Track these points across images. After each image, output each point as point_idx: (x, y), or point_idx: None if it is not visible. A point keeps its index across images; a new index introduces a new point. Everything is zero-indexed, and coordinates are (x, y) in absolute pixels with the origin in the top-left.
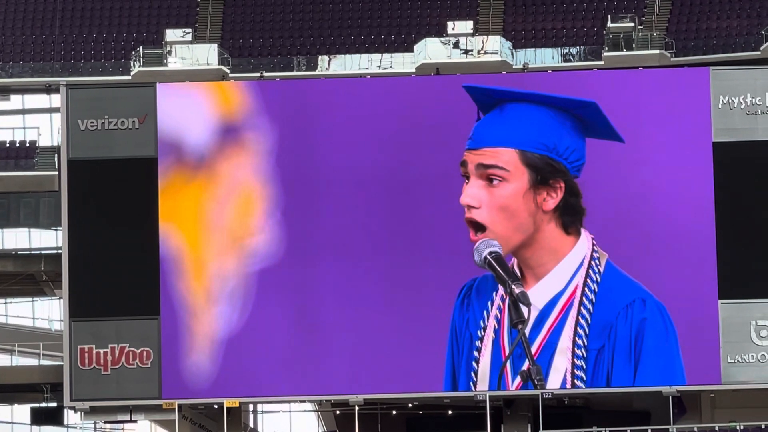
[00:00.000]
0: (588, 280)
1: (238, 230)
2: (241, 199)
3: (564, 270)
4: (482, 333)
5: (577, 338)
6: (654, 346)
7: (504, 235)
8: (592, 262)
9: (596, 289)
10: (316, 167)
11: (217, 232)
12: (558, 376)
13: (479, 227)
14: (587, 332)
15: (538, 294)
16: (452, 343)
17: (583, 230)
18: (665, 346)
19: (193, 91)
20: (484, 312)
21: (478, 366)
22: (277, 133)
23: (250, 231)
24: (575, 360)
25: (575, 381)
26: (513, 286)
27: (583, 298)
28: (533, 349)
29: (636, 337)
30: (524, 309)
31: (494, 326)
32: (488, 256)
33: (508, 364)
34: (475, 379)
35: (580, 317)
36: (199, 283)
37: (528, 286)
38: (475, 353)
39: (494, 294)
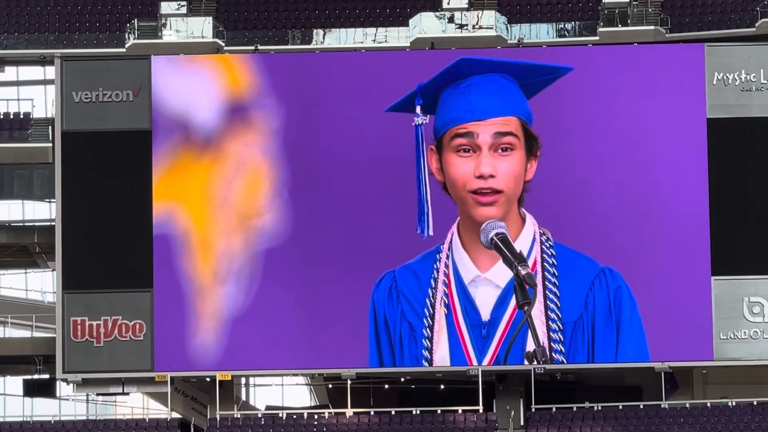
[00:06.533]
0: (544, 255)
1: (246, 210)
2: (248, 179)
3: (520, 246)
4: (429, 321)
5: (549, 312)
6: (630, 313)
7: (509, 200)
8: (542, 238)
9: (555, 263)
10: (321, 146)
11: (224, 212)
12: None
13: (496, 192)
14: (558, 305)
15: (500, 272)
16: (377, 333)
17: (522, 209)
18: (636, 313)
19: (189, 64)
20: (427, 300)
21: (432, 354)
22: (283, 112)
23: (257, 211)
24: (551, 333)
25: (553, 354)
26: (519, 268)
27: (545, 273)
28: (501, 328)
29: (613, 304)
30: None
31: (444, 312)
32: (495, 238)
33: (469, 347)
34: (429, 366)
35: (547, 291)
36: (205, 261)
37: (487, 267)
38: (425, 342)
39: (433, 281)
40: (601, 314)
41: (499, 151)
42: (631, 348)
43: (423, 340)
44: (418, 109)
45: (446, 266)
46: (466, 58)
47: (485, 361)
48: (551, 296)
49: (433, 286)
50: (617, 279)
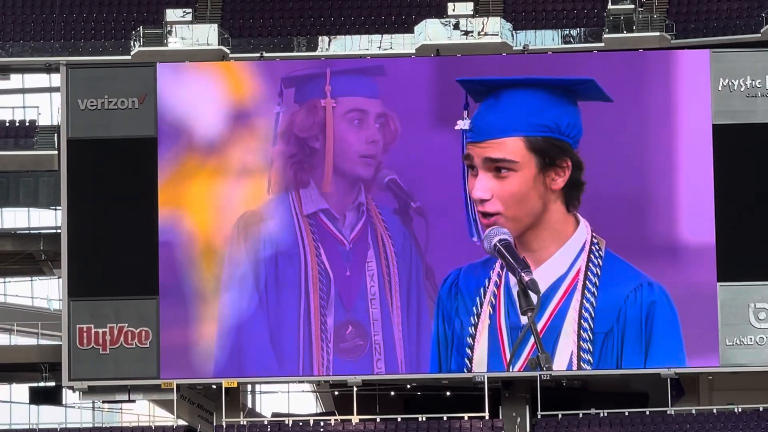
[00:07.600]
0: (590, 264)
1: (250, 216)
2: (252, 185)
3: (566, 254)
4: (476, 320)
5: (582, 321)
6: (663, 329)
7: (516, 218)
8: (593, 247)
9: (599, 273)
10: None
11: (228, 218)
12: (563, 359)
13: (491, 215)
14: (593, 315)
15: (541, 278)
16: (439, 329)
17: (580, 216)
18: (673, 329)
19: (194, 72)
20: (477, 299)
21: (473, 352)
22: (286, 117)
23: (261, 217)
24: (581, 343)
25: (581, 364)
26: (522, 274)
27: (587, 282)
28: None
29: (646, 320)
30: (533, 297)
31: (489, 312)
32: (498, 244)
33: (506, 348)
34: (469, 364)
35: (584, 300)
36: (210, 268)
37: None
38: (469, 339)
39: (487, 281)
40: (631, 328)
41: (497, 172)
42: (660, 364)
43: (467, 338)
44: (465, 114)
45: (501, 267)
46: (460, 80)
47: (518, 364)
48: (587, 305)
49: (486, 285)
50: (654, 294)
